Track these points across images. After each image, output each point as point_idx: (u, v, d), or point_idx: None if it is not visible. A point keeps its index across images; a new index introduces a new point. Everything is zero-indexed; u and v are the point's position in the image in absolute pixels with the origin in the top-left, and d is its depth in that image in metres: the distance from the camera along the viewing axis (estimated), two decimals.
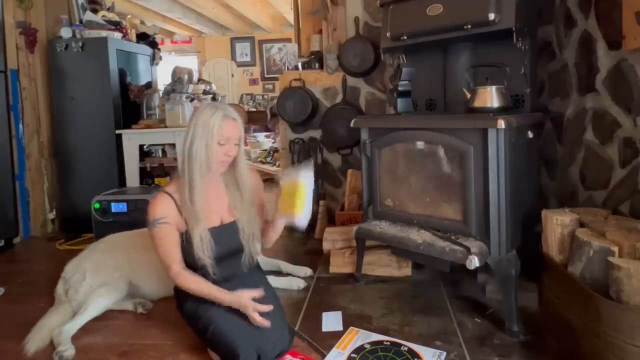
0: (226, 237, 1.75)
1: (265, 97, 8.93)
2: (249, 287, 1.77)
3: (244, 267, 1.83)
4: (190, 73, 3.65)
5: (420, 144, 2.10)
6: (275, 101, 3.53)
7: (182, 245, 1.71)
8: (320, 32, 3.33)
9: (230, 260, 1.78)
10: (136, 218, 2.83)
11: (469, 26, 2.02)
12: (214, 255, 1.70)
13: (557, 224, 1.66)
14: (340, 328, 1.89)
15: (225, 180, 1.81)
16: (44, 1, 3.55)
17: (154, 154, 3.67)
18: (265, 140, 6.34)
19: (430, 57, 2.45)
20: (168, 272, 1.70)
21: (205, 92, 4.05)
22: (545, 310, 1.79)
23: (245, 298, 1.59)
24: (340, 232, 2.66)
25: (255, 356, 1.54)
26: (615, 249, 1.41)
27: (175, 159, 3.49)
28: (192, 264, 1.70)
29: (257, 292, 1.60)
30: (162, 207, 1.69)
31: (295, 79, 3.29)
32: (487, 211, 1.84)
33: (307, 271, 2.50)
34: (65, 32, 3.45)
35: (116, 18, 3.81)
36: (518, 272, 1.85)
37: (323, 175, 3.33)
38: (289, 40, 7.51)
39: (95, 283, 2.05)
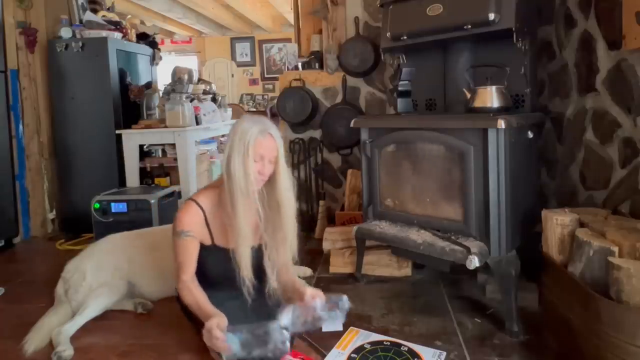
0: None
1: (265, 97, 8.93)
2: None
3: (268, 300, 1.66)
4: (190, 73, 3.64)
5: (420, 144, 2.09)
6: (275, 101, 3.52)
7: (199, 257, 1.65)
8: (320, 32, 3.32)
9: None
10: (136, 218, 2.83)
11: (469, 26, 2.02)
12: (221, 275, 1.62)
13: (557, 224, 1.66)
14: (340, 328, 1.88)
15: (261, 198, 1.63)
16: (44, 1, 3.55)
17: (154, 154, 3.67)
18: None
19: (430, 57, 2.45)
20: (176, 279, 1.67)
21: (205, 92, 4.04)
22: (545, 310, 1.79)
23: (212, 321, 1.45)
24: (340, 232, 2.66)
25: None
26: (615, 249, 1.41)
27: (175, 159, 3.49)
28: (204, 275, 1.66)
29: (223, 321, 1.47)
30: (190, 219, 1.61)
31: (295, 79, 3.29)
32: (487, 211, 1.84)
33: (307, 271, 2.50)
34: (65, 32, 3.44)
35: (116, 18, 3.81)
36: (518, 272, 1.86)
37: (323, 175, 3.33)
38: (289, 40, 7.50)
39: (95, 283, 2.05)
